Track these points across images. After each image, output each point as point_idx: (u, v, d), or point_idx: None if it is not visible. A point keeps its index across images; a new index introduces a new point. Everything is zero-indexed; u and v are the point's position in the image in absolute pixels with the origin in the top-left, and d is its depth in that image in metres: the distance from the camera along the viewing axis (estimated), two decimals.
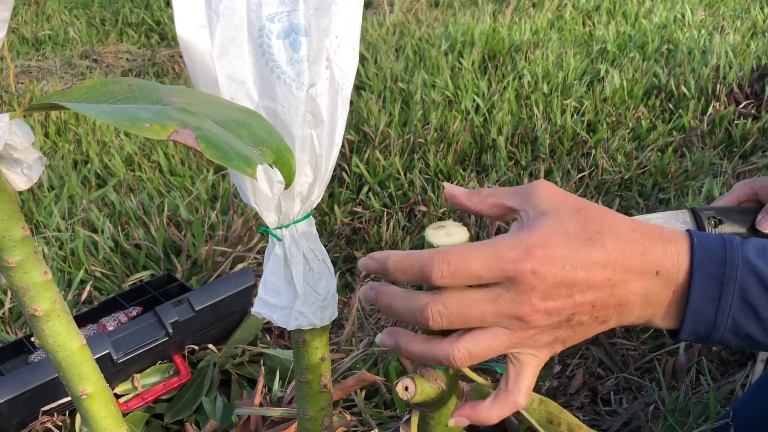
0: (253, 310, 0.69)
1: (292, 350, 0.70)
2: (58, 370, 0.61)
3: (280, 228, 0.66)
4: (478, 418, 0.49)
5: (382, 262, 0.52)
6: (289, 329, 0.67)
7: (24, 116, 0.53)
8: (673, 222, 0.71)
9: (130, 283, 1.75)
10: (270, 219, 0.66)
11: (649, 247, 0.50)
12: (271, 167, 0.55)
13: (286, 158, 0.57)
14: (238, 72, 0.61)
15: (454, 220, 1.64)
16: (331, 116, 0.65)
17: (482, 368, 0.53)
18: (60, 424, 1.17)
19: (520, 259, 0.47)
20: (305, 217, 0.67)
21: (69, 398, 1.18)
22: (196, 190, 2.14)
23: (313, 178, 0.66)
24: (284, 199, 0.65)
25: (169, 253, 1.87)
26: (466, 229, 0.49)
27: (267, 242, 1.88)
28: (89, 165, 2.43)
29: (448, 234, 0.49)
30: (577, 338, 0.51)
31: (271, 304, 0.68)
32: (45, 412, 1.16)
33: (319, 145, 0.65)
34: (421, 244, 1.92)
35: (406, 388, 0.51)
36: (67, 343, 0.60)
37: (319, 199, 0.67)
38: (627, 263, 0.49)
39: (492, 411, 0.49)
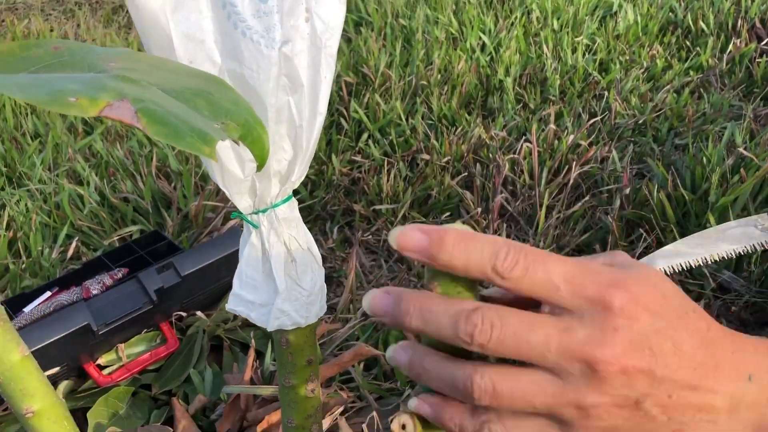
0: (228, 307, 0.60)
1: (275, 351, 0.61)
2: None
3: (256, 213, 0.57)
4: None
5: (400, 303, 0.39)
6: (269, 330, 0.58)
7: None
8: (752, 229, 0.61)
9: (118, 237, 1.67)
10: (243, 204, 0.56)
11: (741, 345, 0.39)
12: (237, 143, 0.44)
13: (256, 133, 0.47)
14: (195, 29, 0.50)
15: (460, 185, 1.50)
16: (313, 79, 0.54)
17: None
18: None
19: (611, 284, 0.36)
20: (286, 200, 0.57)
21: (50, 372, 1.11)
22: None
23: (293, 154, 0.55)
24: (259, 180, 0.55)
25: (159, 206, 1.77)
26: (467, 227, 0.39)
27: None
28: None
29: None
30: None
31: (247, 300, 0.59)
32: None
33: (298, 115, 0.54)
34: (425, 195, 1.82)
35: (403, 427, 0.42)
36: (5, 356, 0.51)
37: (302, 179, 0.57)
38: (716, 359, 0.37)
39: None
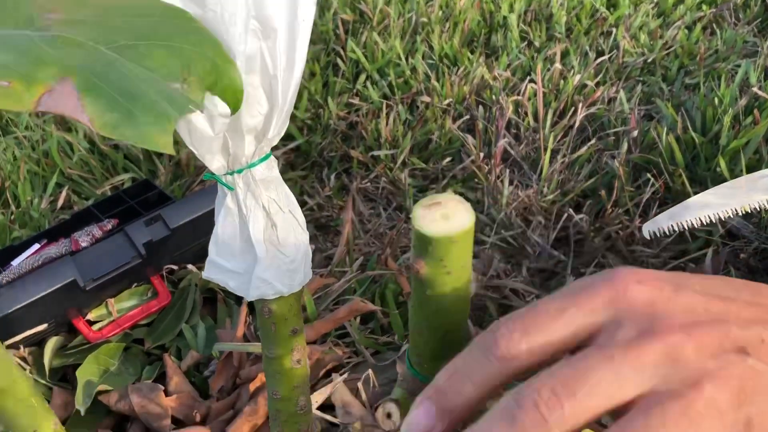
0: (204, 274, 0.55)
1: (257, 320, 0.57)
2: None
3: (231, 174, 0.51)
4: None
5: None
6: (249, 300, 0.54)
7: None
8: None
9: (110, 186, 1.62)
10: (215, 164, 0.51)
11: None
12: (201, 110, 0.39)
13: (227, 77, 0.42)
14: None
15: (461, 129, 1.43)
16: (289, 21, 0.48)
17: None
18: (26, 356, 1.08)
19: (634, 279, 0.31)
20: (263, 159, 0.52)
21: (36, 330, 1.08)
22: None
23: (268, 108, 0.50)
24: (232, 138, 0.50)
25: (151, 153, 1.72)
26: (469, 206, 0.34)
27: None
28: None
29: (445, 216, 0.34)
30: None
31: (225, 268, 0.54)
32: (9, 346, 1.06)
33: (272, 63, 0.48)
34: (426, 140, 1.76)
35: (389, 415, 0.38)
36: None
37: (281, 135, 0.52)
38: None
39: None
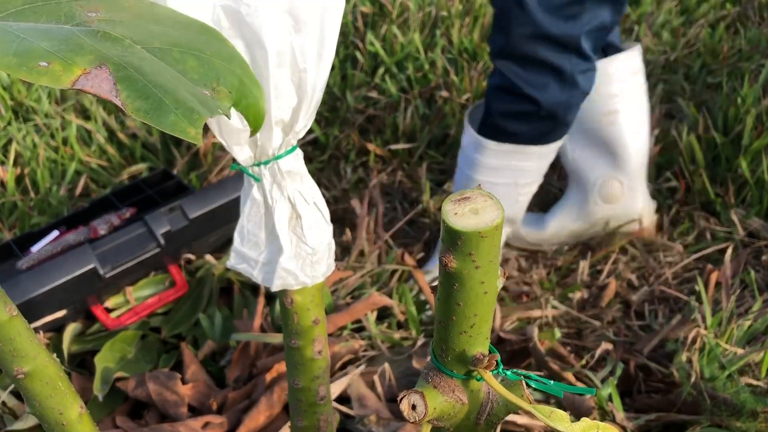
0: (229, 263, 0.56)
1: (280, 310, 0.57)
2: None
3: (258, 165, 0.52)
4: None
5: None
6: (273, 290, 0.54)
7: None
8: None
9: (128, 175, 1.63)
10: (243, 155, 0.51)
11: None
12: (227, 117, 0.40)
13: (251, 96, 0.42)
14: None
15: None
16: (319, 17, 0.48)
17: (536, 387, 0.40)
18: (47, 341, 1.09)
19: None
20: (290, 151, 0.52)
21: (55, 316, 1.09)
22: None
23: (296, 101, 0.50)
24: (260, 130, 0.50)
25: (168, 143, 1.73)
26: (498, 202, 0.34)
27: None
28: None
29: (474, 211, 0.34)
30: None
31: (250, 258, 0.54)
32: None
33: (302, 58, 0.48)
34: (443, 135, 1.75)
35: (414, 407, 0.38)
36: None
37: (308, 128, 0.52)
38: None
39: None
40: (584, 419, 0.40)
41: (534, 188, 1.29)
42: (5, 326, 0.49)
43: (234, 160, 0.52)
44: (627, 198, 1.38)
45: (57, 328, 1.12)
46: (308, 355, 0.57)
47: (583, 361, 1.07)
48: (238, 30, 0.46)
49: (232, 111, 0.48)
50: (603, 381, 1.02)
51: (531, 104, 1.14)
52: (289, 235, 0.53)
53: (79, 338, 1.11)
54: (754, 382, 1.03)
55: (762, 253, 1.38)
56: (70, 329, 1.10)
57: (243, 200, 0.54)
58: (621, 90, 1.29)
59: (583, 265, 1.36)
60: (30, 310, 1.05)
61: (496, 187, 1.24)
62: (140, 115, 0.35)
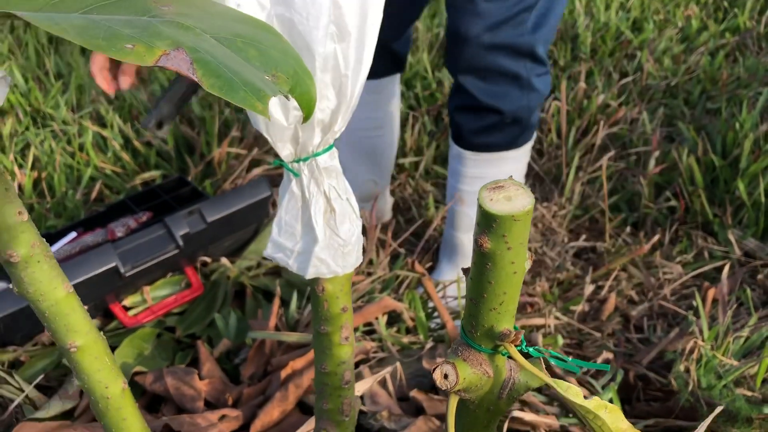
0: (266, 253, 0.60)
1: (310, 298, 0.61)
2: (42, 320, 0.53)
3: (297, 162, 0.56)
4: None
5: None
6: (306, 278, 0.58)
7: None
8: None
9: (141, 182, 1.67)
10: (285, 151, 0.55)
11: None
12: (287, 98, 0.44)
13: (305, 85, 0.46)
14: None
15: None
16: (360, 28, 0.53)
17: (557, 364, 0.44)
18: None
19: None
20: (327, 150, 0.57)
21: None
22: None
23: (336, 103, 0.55)
24: (302, 129, 0.55)
25: (182, 151, 1.77)
26: (529, 191, 0.39)
27: None
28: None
29: (507, 198, 0.38)
30: None
31: (286, 247, 0.59)
32: None
33: (344, 64, 0.53)
34: (446, 153, 1.80)
35: (446, 376, 0.42)
36: (51, 292, 0.52)
37: (344, 128, 0.57)
38: None
39: None
40: (595, 398, 0.44)
41: None
42: (62, 302, 0.53)
43: (275, 157, 0.56)
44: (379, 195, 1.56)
45: None
46: (336, 340, 0.61)
47: (584, 371, 1.11)
48: (289, 36, 0.51)
49: (278, 106, 0.53)
50: (603, 387, 1.06)
51: (495, 115, 1.20)
52: (324, 227, 0.57)
53: None
54: (749, 393, 1.07)
55: (758, 272, 1.43)
56: None
57: (281, 194, 0.59)
58: (385, 112, 1.46)
59: (587, 280, 1.40)
60: None
61: None
62: (215, 90, 0.39)
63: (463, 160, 1.28)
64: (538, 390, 1.03)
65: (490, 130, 1.22)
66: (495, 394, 0.46)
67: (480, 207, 0.38)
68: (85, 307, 1.13)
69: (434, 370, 0.42)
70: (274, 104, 0.53)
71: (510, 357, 0.44)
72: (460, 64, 1.16)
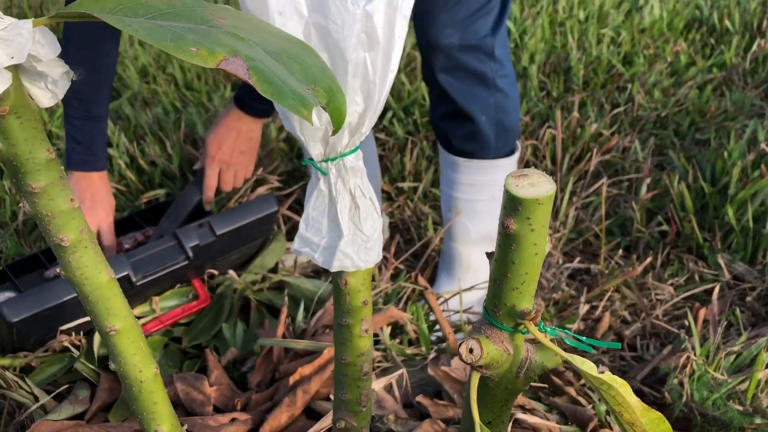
0: (293, 247, 0.64)
1: (333, 293, 0.65)
2: (84, 303, 0.57)
3: (326, 161, 0.60)
4: None
5: None
6: (331, 270, 0.62)
7: (48, 24, 0.47)
8: None
9: (145, 200, 1.71)
10: (316, 151, 0.60)
11: None
12: (325, 109, 0.49)
13: (337, 102, 0.51)
14: None
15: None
16: (388, 38, 0.58)
17: (571, 344, 0.48)
18: (78, 343, 1.15)
19: None
20: (353, 151, 0.61)
21: (88, 318, 1.15)
22: (213, 106, 2.07)
23: (363, 108, 0.59)
24: (331, 130, 0.59)
25: (185, 171, 1.81)
26: (551, 179, 0.43)
27: (288, 167, 1.81)
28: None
29: (531, 184, 0.42)
30: None
31: (312, 242, 0.63)
32: (63, 332, 1.13)
33: (372, 71, 0.58)
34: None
35: (471, 350, 0.46)
36: (95, 277, 0.55)
37: (369, 130, 0.61)
38: None
39: None
40: (607, 372, 0.48)
41: None
42: (104, 287, 0.56)
43: (300, 157, 0.61)
44: None
45: (88, 332, 1.18)
46: (356, 332, 0.64)
47: (582, 382, 1.14)
48: (324, 43, 0.56)
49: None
50: (600, 399, 1.09)
51: (469, 120, 1.27)
52: (349, 224, 0.61)
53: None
54: (741, 408, 1.11)
55: (746, 294, 1.48)
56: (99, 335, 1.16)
57: (309, 192, 0.63)
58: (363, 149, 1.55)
59: (581, 300, 1.44)
60: (66, 312, 1.12)
61: (476, 204, 1.36)
62: (267, 94, 0.44)
63: (456, 167, 1.34)
64: (546, 384, 1.06)
65: (473, 136, 1.30)
66: (513, 373, 0.50)
67: (506, 192, 0.43)
68: None
69: (460, 345, 0.46)
70: None
71: (530, 336, 0.48)
72: (436, 68, 1.24)
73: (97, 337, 1.14)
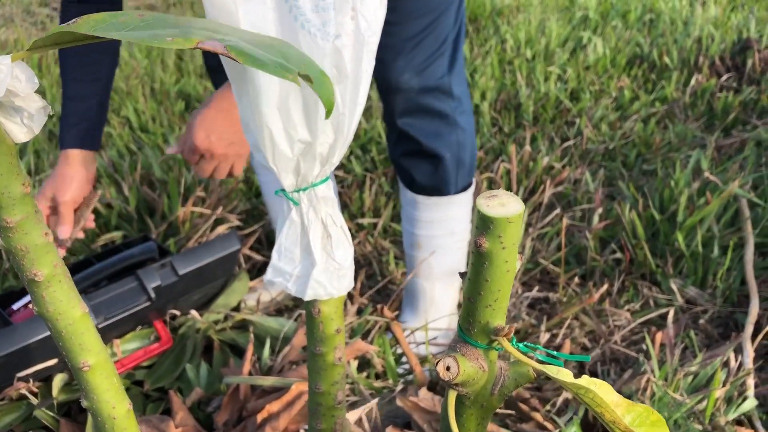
0: (266, 278, 0.64)
1: (306, 322, 0.66)
2: (57, 339, 0.56)
3: (298, 191, 0.62)
4: None
5: None
6: (305, 299, 0.63)
7: (24, 59, 0.47)
8: None
9: (101, 243, 1.68)
10: (288, 181, 0.61)
11: None
12: (310, 83, 0.49)
13: (322, 80, 0.52)
14: (260, 19, 0.55)
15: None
16: (356, 71, 0.60)
17: (544, 359, 0.50)
18: (36, 390, 1.12)
19: None
20: (324, 181, 0.62)
21: (46, 364, 1.12)
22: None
23: (334, 138, 0.61)
24: (303, 160, 0.60)
25: (143, 213, 1.79)
26: (519, 199, 0.45)
27: (247, 205, 1.81)
28: (54, 118, 2.32)
29: (501, 204, 0.44)
30: None
31: (285, 272, 0.63)
32: (20, 378, 1.10)
33: (342, 103, 0.60)
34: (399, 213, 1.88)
35: (448, 368, 0.47)
36: (69, 311, 0.55)
37: (339, 161, 0.63)
38: None
39: None
40: (585, 376, 0.50)
41: (467, 235, 1.42)
42: (77, 322, 0.56)
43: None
44: None
45: (45, 378, 1.15)
46: (330, 360, 0.65)
47: (547, 407, 1.16)
48: None
49: (284, 139, 0.59)
50: (567, 423, 1.11)
51: (433, 158, 1.29)
52: (321, 252, 0.62)
53: (66, 388, 1.14)
54: (700, 427, 1.14)
55: (699, 317, 1.53)
56: (59, 379, 1.13)
57: (281, 223, 0.64)
58: None
59: (542, 328, 1.47)
60: (24, 357, 1.09)
61: (434, 239, 1.38)
62: (248, 62, 0.45)
63: (417, 204, 1.36)
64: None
65: (436, 173, 1.32)
66: (488, 390, 0.51)
67: (478, 212, 0.45)
68: (56, 360, 1.13)
69: (437, 363, 0.47)
70: (281, 138, 0.58)
71: (503, 352, 0.49)
72: (397, 110, 1.26)
73: (55, 384, 1.11)
